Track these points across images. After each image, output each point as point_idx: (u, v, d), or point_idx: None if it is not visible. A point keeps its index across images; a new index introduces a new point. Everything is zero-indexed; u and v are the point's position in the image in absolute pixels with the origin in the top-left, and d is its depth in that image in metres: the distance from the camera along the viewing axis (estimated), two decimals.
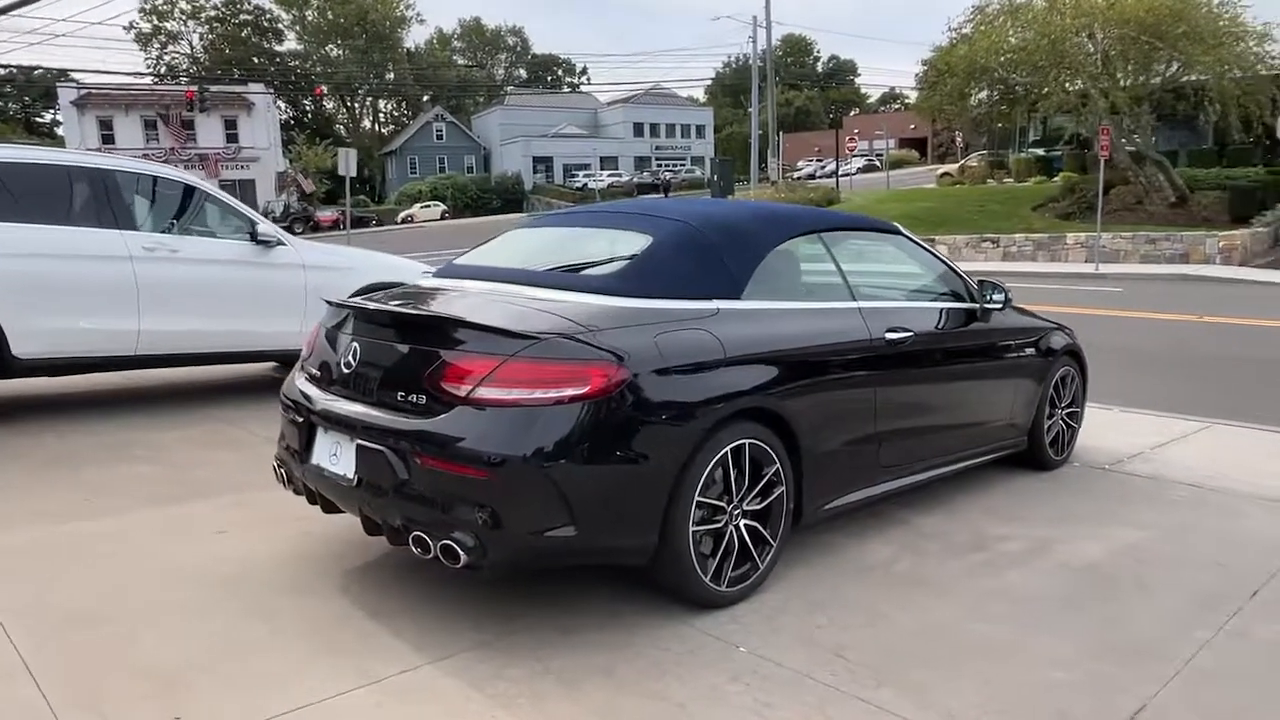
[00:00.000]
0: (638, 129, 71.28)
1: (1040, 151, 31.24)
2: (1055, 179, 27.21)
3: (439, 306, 3.23)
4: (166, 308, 5.99)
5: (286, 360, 7.17)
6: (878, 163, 60.77)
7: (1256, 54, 19.09)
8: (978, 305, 4.44)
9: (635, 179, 62.18)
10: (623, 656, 2.83)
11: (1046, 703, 2.60)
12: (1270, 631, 3.08)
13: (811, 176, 56.24)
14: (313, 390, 3.34)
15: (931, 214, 24.04)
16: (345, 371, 3.17)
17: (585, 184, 60.35)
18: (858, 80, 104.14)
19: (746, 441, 3.15)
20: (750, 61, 44.04)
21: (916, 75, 25.87)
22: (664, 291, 3.22)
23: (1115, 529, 4.08)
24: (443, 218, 54.79)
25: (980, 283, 4.52)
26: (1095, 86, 19.20)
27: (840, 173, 44.63)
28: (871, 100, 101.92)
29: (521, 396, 2.76)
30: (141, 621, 3.02)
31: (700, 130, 75.27)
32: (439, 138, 68.30)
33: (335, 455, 3.11)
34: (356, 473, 3.00)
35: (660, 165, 67.44)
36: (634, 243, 3.47)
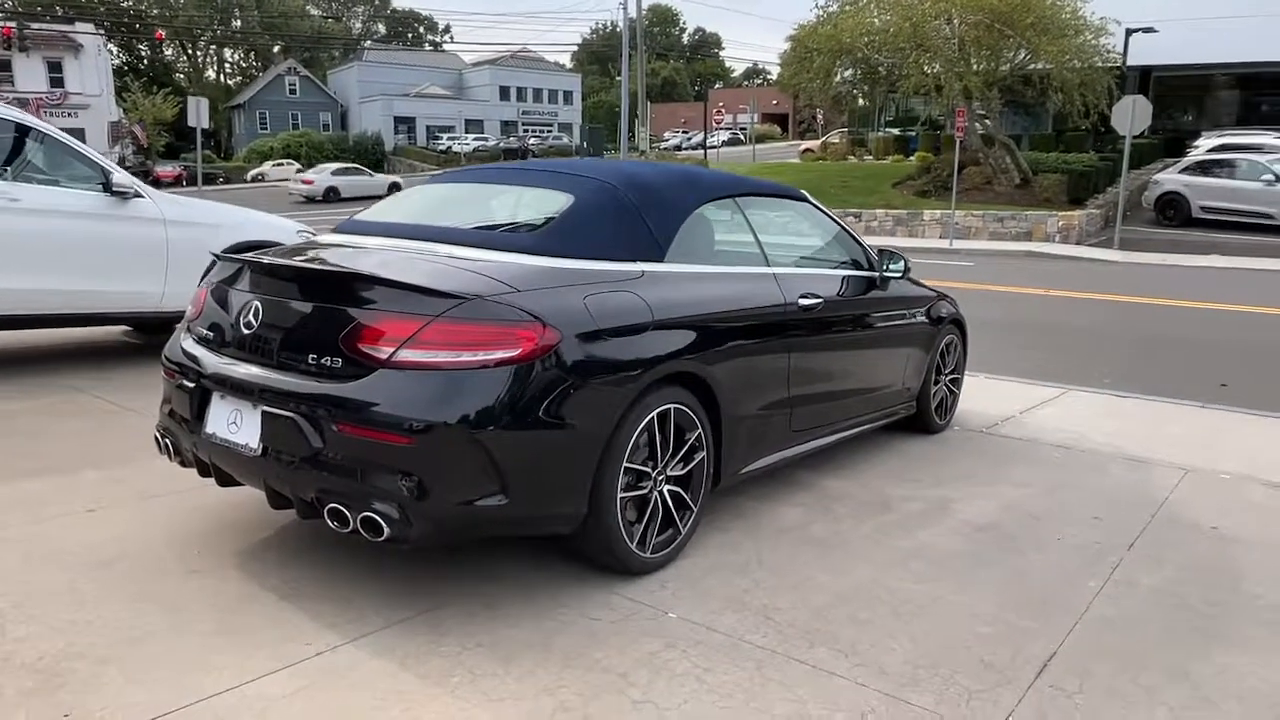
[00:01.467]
0: (504, 92, 69.80)
1: (896, 131, 32.60)
2: (911, 158, 28.48)
3: (353, 263, 3.01)
4: (6, 264, 5.39)
5: (143, 324, 6.63)
6: (742, 136, 61.87)
7: (1095, 46, 20.51)
8: (878, 274, 4.55)
9: (501, 144, 61.03)
10: (555, 627, 2.75)
11: (970, 654, 2.70)
12: (1151, 579, 3.31)
13: (678, 148, 56.73)
14: (203, 353, 3.05)
15: (799, 187, 24.66)
16: (245, 332, 2.91)
17: (450, 147, 58.66)
18: (722, 54, 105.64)
19: (672, 406, 3.11)
20: (619, 29, 43.84)
21: (780, 53, 26.46)
22: (589, 252, 3.12)
23: (1003, 488, 4.29)
24: None
25: (880, 251, 4.63)
26: (952, 70, 20.14)
27: (706, 144, 45.13)
28: (735, 74, 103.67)
29: (447, 359, 2.61)
30: (11, 611, 2.71)
31: (568, 96, 74.45)
32: (292, 92, 64.71)
33: (234, 423, 2.87)
34: (262, 441, 2.77)
35: (528, 130, 66.34)
36: (553, 201, 3.34)
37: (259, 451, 2.78)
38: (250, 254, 3.18)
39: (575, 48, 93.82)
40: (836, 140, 34.73)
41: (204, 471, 3.06)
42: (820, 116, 50.52)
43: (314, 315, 2.82)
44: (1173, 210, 19.82)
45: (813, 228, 4.47)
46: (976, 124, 21.75)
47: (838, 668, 2.59)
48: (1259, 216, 18.34)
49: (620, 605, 2.91)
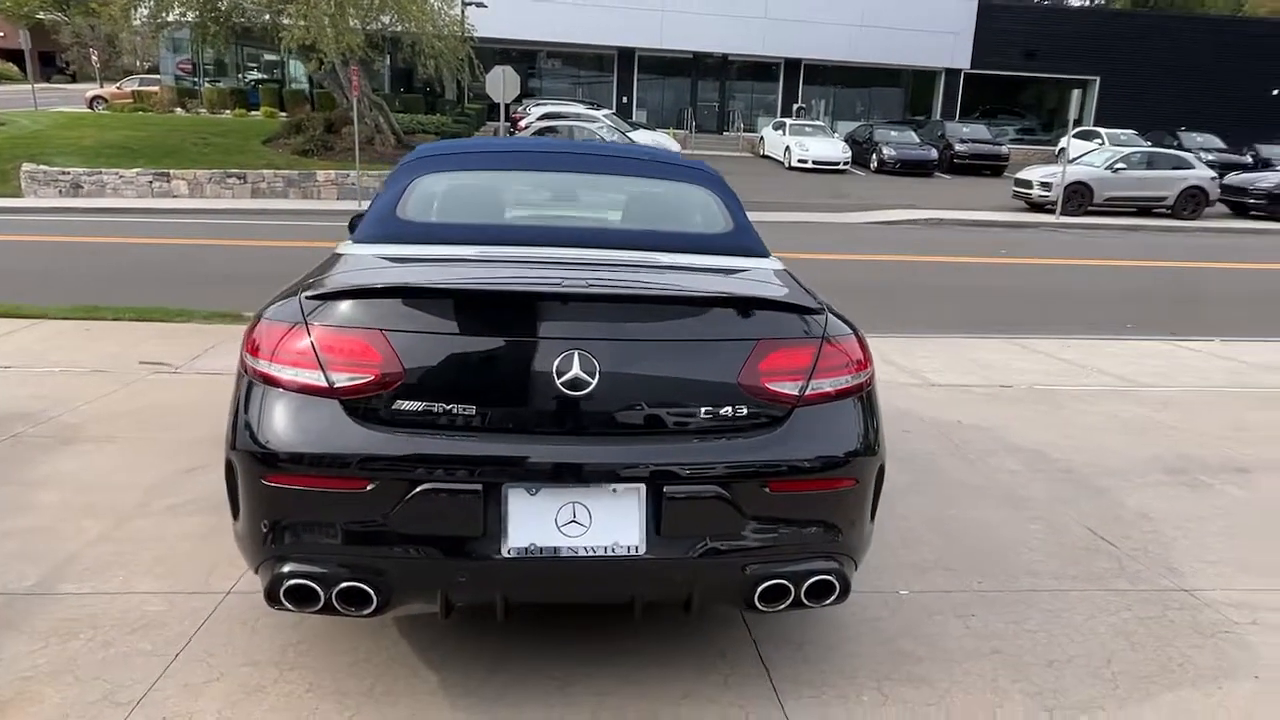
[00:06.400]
0: None
1: (190, 80, 29.84)
2: (255, 112, 26.78)
3: (686, 283, 2.32)
4: None
5: None
6: None
7: (453, 16, 21.93)
8: None
9: None
10: (905, 626, 2.68)
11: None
12: (1033, 462, 4.45)
13: None
14: (452, 439, 2.05)
15: (148, 144, 21.39)
16: (569, 394, 2.07)
17: None
18: None
19: None
20: None
21: None
22: (762, 249, 2.92)
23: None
24: None
25: None
26: (331, 27, 19.52)
27: None
28: None
29: (849, 384, 2.35)
30: None
31: None
32: None
33: (576, 522, 2.04)
34: (650, 535, 2.05)
35: None
36: (690, 195, 2.99)
37: (641, 548, 2.05)
38: (459, 283, 2.17)
39: None
40: (154, 90, 30.44)
41: (447, 611, 2.09)
42: (95, 58, 43.36)
43: (688, 356, 2.16)
44: None
45: None
46: (347, 83, 21.57)
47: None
48: None
49: (887, 601, 2.94)
